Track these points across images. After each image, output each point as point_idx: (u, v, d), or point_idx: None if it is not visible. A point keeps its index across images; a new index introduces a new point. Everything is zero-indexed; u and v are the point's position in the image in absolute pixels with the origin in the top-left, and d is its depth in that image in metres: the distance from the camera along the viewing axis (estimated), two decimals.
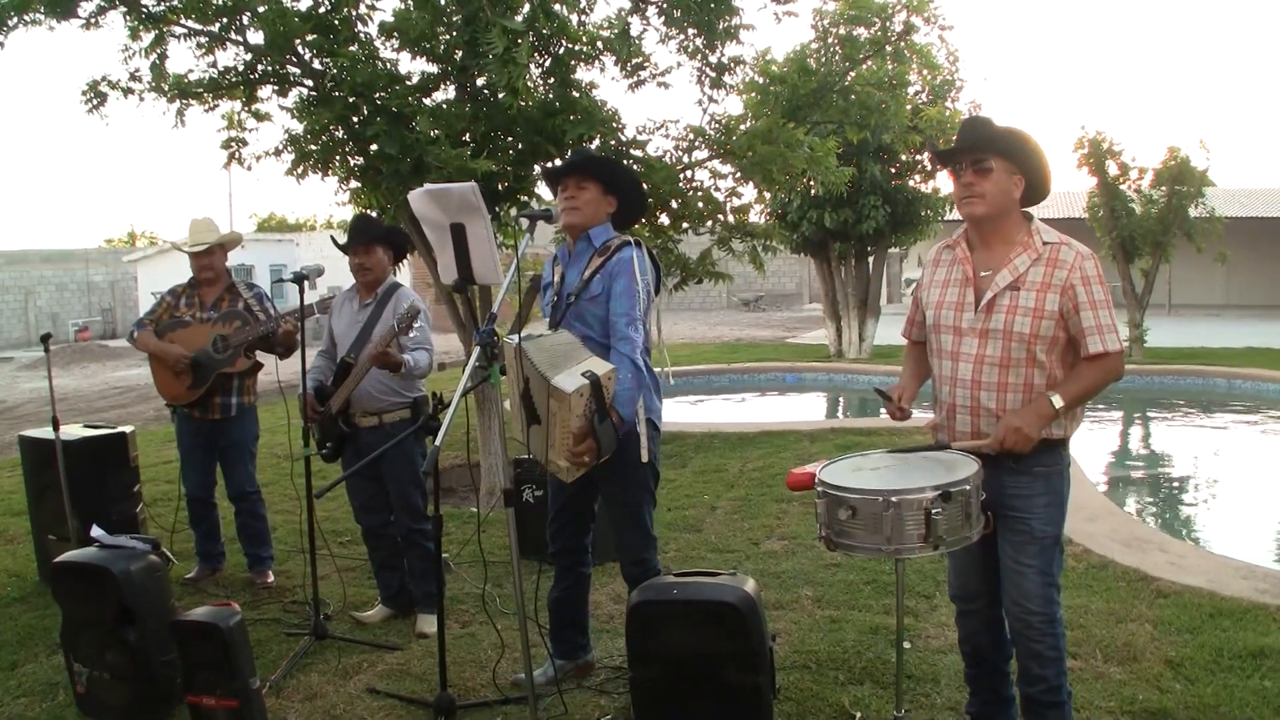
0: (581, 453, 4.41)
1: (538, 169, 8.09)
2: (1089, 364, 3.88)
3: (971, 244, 4.11)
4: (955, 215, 21.74)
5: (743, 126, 8.65)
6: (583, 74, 8.16)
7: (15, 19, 7.39)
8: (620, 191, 5.03)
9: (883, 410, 4.35)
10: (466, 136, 7.66)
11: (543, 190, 8.38)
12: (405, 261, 6.59)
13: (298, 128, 8.12)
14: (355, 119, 7.80)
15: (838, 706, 4.85)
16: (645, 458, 4.84)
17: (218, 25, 7.79)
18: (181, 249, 6.99)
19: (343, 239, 6.26)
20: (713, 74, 8.63)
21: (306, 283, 5.95)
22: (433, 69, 8.05)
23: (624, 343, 4.73)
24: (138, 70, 7.92)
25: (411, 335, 5.75)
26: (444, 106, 7.84)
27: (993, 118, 4.03)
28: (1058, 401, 3.82)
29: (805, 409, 18.36)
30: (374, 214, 8.36)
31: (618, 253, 4.86)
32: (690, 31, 8.36)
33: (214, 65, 8.06)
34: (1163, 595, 6.14)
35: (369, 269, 6.14)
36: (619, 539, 5.11)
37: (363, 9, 7.92)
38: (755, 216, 10.06)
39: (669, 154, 8.74)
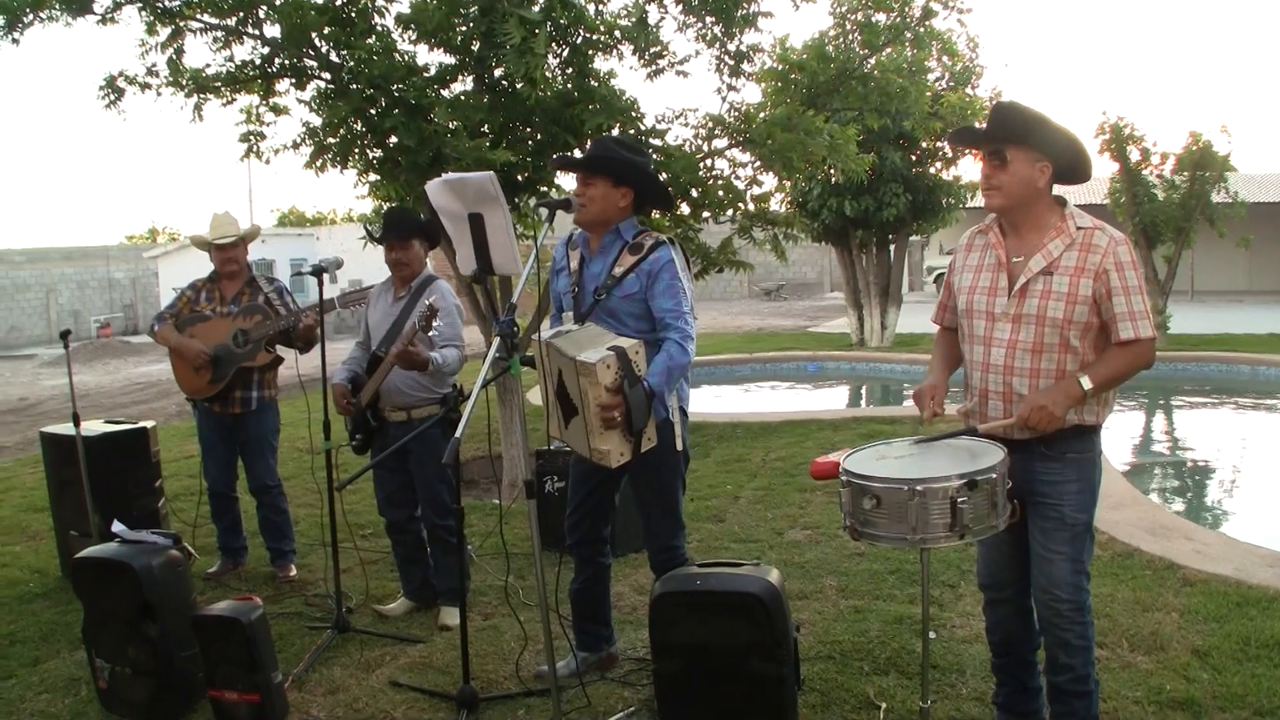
0: (611, 407, 4.31)
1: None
2: (1120, 349, 3.84)
3: (1004, 229, 4.07)
4: (976, 203, 21.72)
5: (762, 115, 8.61)
6: (601, 63, 8.16)
7: (31, 15, 7.39)
8: (633, 182, 4.92)
9: (906, 400, 4.31)
10: (485, 127, 7.65)
11: (562, 180, 8.37)
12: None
13: (316, 121, 8.12)
14: (373, 111, 7.79)
15: (862, 697, 4.82)
16: (680, 445, 4.86)
17: (234, 19, 7.79)
18: (206, 242, 6.95)
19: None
20: (731, 62, 8.59)
21: (326, 276, 5.96)
22: (450, 60, 8.04)
23: (673, 331, 4.71)
24: (155, 65, 7.93)
25: (434, 331, 5.67)
26: (462, 98, 7.82)
27: (1021, 103, 3.96)
28: (1086, 383, 3.78)
29: (827, 398, 18.26)
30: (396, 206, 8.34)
31: (654, 252, 4.81)
32: (708, 19, 8.34)
33: (231, 59, 8.06)
34: (1189, 584, 6.09)
35: (405, 264, 6.11)
36: (649, 526, 5.07)
37: (379, 1, 7.90)
38: (775, 205, 10.01)
39: (688, 143, 8.71)
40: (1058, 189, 4.03)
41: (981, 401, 4.07)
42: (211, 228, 6.97)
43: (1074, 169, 3.96)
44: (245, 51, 8.07)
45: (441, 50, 7.96)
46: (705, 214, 8.99)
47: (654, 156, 7.90)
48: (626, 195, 4.89)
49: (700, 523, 7.94)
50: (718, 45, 8.50)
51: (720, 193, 8.78)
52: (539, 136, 7.98)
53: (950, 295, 4.30)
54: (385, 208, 8.71)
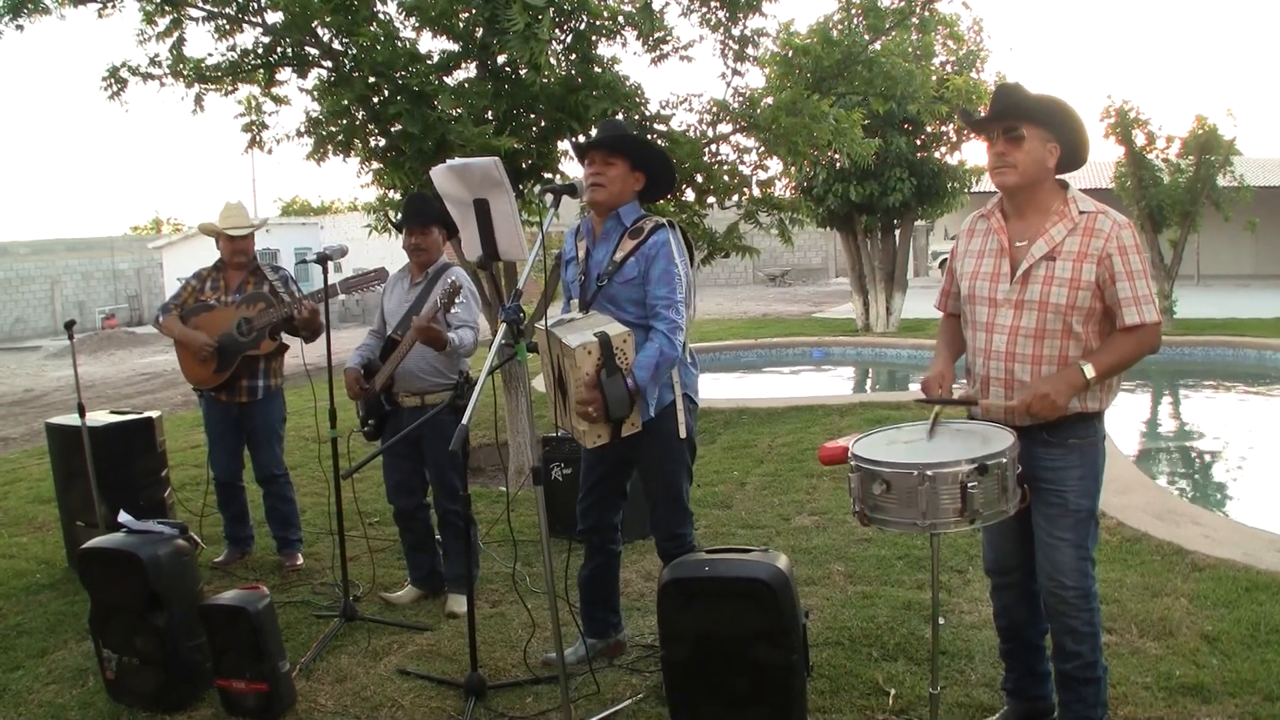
0: (586, 402, 4.38)
1: (561, 145, 8.06)
2: (1124, 335, 3.81)
3: (1006, 213, 4.03)
4: (980, 187, 21.67)
5: (767, 99, 8.58)
6: (604, 49, 8.11)
7: (30, 6, 7.37)
8: (647, 167, 4.93)
9: (912, 385, 4.30)
10: (488, 114, 7.61)
11: (566, 166, 8.35)
12: None
13: (318, 110, 8.09)
14: (376, 99, 7.77)
15: (871, 683, 4.81)
16: (684, 433, 4.84)
17: (234, 7, 7.75)
18: (217, 230, 6.91)
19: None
20: (736, 47, 8.56)
21: (330, 264, 5.95)
22: (453, 47, 8.00)
23: (661, 321, 4.70)
24: (157, 55, 7.90)
25: (454, 311, 5.70)
26: (465, 85, 7.79)
27: (1026, 85, 3.93)
28: (1089, 371, 3.75)
29: (833, 383, 18.29)
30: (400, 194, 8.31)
31: (652, 235, 4.79)
32: (712, 4, 8.30)
33: (233, 49, 8.03)
34: (1198, 569, 6.07)
35: (424, 250, 6.14)
36: (655, 514, 5.06)
37: None
38: (780, 190, 9.98)
39: (693, 128, 8.69)
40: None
41: (983, 388, 4.04)
42: (224, 216, 6.96)
43: (1075, 154, 3.93)
44: (247, 40, 8.07)
45: (444, 37, 7.92)
46: (710, 199, 8.97)
47: (658, 143, 7.88)
48: (640, 180, 4.92)
49: (707, 509, 7.93)
50: (722, 30, 8.47)
51: (725, 178, 8.76)
52: (543, 123, 7.95)
53: (953, 281, 4.28)
54: (390, 194, 8.71)
